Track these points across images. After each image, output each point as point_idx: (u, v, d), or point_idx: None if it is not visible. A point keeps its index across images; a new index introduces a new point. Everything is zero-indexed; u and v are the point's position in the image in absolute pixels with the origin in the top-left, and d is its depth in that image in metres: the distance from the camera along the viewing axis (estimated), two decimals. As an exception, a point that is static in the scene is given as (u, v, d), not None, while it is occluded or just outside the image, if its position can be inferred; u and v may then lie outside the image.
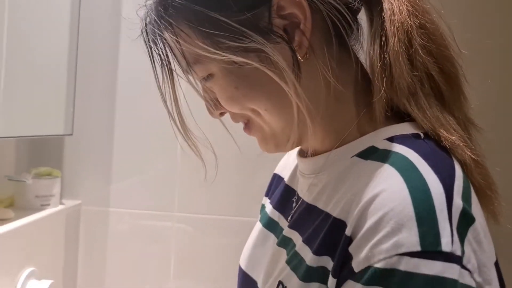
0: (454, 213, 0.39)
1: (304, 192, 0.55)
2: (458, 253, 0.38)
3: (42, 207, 1.12)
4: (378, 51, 0.46)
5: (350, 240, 0.42)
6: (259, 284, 0.56)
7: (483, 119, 0.51)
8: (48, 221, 1.11)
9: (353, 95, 0.50)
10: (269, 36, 0.45)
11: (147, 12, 0.49)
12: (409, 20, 0.45)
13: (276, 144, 0.52)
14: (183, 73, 0.51)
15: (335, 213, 0.45)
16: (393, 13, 0.45)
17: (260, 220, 0.65)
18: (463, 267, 0.38)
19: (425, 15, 0.47)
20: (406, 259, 0.37)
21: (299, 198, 0.57)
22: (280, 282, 0.49)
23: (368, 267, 0.39)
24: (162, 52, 0.49)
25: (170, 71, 0.50)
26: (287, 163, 0.68)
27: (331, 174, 0.50)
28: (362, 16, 0.50)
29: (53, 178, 1.15)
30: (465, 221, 0.40)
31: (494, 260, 0.43)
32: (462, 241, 0.39)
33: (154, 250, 1.25)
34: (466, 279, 0.38)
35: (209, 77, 0.49)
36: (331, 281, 0.43)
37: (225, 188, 1.21)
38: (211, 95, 0.52)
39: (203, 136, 0.54)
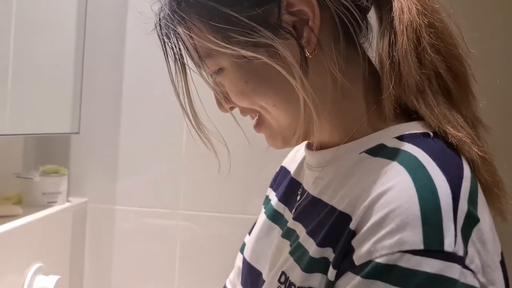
0: (459, 214, 0.39)
1: (310, 185, 0.56)
2: (460, 253, 0.38)
3: (49, 204, 1.12)
4: (387, 49, 0.47)
5: (353, 233, 0.42)
6: (264, 276, 0.56)
7: (491, 118, 0.51)
8: (55, 218, 1.11)
9: (362, 92, 0.51)
10: (278, 31, 0.46)
11: (161, 7, 0.50)
12: (418, 19, 0.46)
13: (283, 139, 0.53)
14: (195, 67, 0.52)
15: (341, 207, 0.46)
16: (402, 12, 0.46)
17: (264, 212, 0.66)
18: (466, 267, 0.38)
19: (434, 14, 0.47)
20: (408, 256, 0.38)
21: (304, 191, 0.57)
22: (283, 273, 0.50)
23: (370, 261, 0.39)
24: (175, 46, 0.50)
25: (183, 65, 0.51)
26: (294, 157, 0.69)
27: (338, 169, 0.51)
28: (372, 15, 0.51)
29: (60, 176, 1.16)
30: (470, 222, 0.40)
31: (500, 259, 0.43)
32: (466, 241, 0.39)
33: (159, 247, 1.26)
34: (468, 279, 0.38)
35: (219, 71, 0.50)
36: (331, 272, 0.43)
37: (231, 186, 1.22)
38: (222, 88, 0.53)
39: (214, 130, 0.55)
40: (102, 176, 1.27)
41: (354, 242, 0.42)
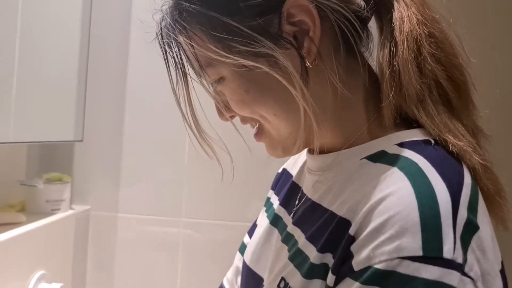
0: (459, 221, 0.39)
1: (309, 188, 0.56)
2: (459, 260, 0.38)
3: (53, 211, 1.13)
4: (387, 58, 0.47)
5: (353, 239, 0.42)
6: (265, 281, 0.56)
7: (491, 126, 0.52)
8: (58, 225, 1.12)
9: (362, 101, 0.51)
10: (279, 41, 0.46)
11: (163, 16, 0.50)
12: (418, 29, 0.46)
13: (283, 148, 0.53)
14: (196, 76, 0.52)
15: (341, 212, 0.46)
16: (403, 22, 0.46)
17: (267, 217, 0.66)
18: (465, 274, 0.38)
19: (434, 24, 0.48)
20: (407, 262, 0.38)
21: (303, 194, 0.57)
22: (282, 278, 0.50)
23: (368, 267, 0.39)
24: (177, 55, 0.50)
25: (184, 74, 0.51)
26: (297, 161, 0.69)
27: (338, 174, 0.51)
28: (373, 24, 0.51)
29: (63, 184, 1.17)
30: (469, 230, 0.40)
31: (500, 268, 0.43)
32: (465, 249, 0.39)
33: (161, 255, 1.26)
34: (467, 286, 0.38)
35: (220, 80, 0.50)
36: (330, 277, 0.43)
37: (233, 194, 1.22)
38: (222, 97, 0.53)
39: (216, 138, 0.55)
40: (105, 183, 1.27)
41: (353, 247, 0.42)
